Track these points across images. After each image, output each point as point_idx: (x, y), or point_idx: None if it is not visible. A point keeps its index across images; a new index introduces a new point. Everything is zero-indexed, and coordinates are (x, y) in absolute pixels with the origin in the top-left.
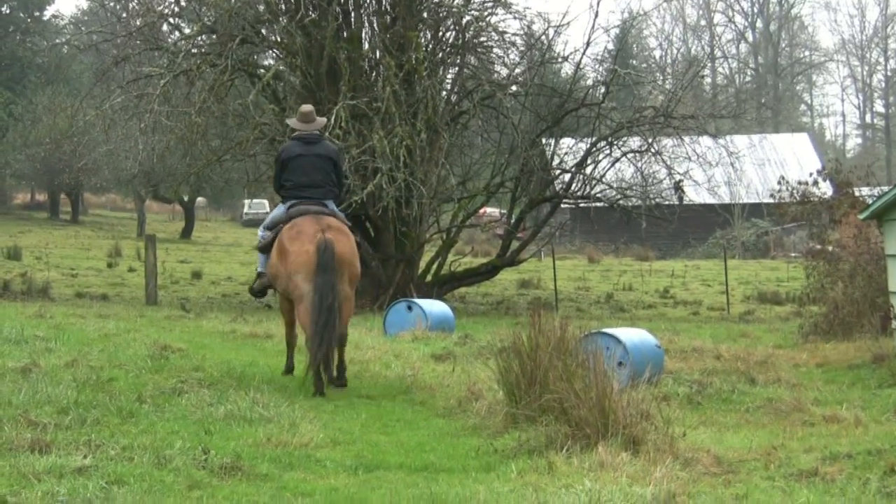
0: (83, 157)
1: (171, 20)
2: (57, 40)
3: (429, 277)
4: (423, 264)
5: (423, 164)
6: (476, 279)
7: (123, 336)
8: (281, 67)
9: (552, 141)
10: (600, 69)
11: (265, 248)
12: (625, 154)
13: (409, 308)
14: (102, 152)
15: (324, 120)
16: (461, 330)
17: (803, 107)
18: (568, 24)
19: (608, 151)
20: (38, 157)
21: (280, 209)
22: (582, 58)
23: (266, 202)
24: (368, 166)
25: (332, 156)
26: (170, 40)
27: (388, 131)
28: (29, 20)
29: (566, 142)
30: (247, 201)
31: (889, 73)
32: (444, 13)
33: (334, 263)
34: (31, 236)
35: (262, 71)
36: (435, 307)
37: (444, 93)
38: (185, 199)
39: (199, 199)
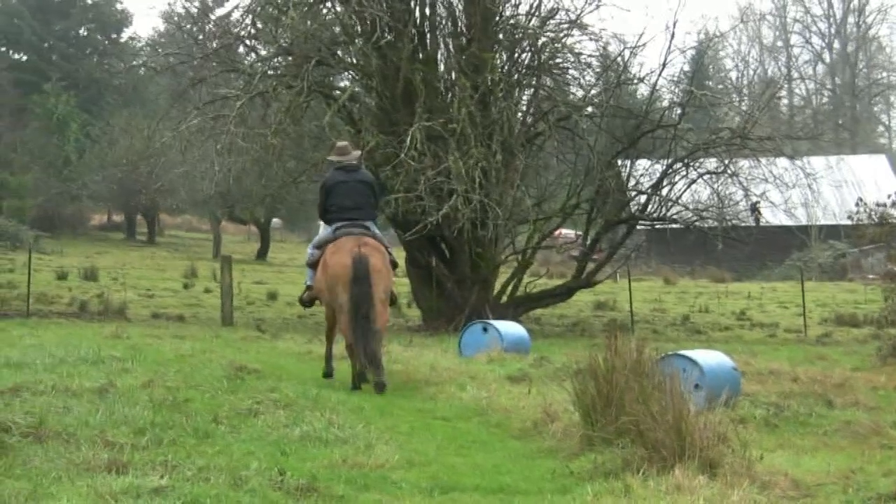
0: (159, 178)
1: (247, 42)
2: (134, 62)
3: (504, 299)
4: (498, 286)
5: (498, 186)
6: (551, 301)
7: (199, 357)
8: (356, 89)
9: (628, 162)
10: (676, 90)
11: (314, 265)
12: (701, 175)
13: (485, 329)
14: (178, 173)
15: (358, 152)
16: (537, 352)
17: (881, 128)
18: (644, 45)
19: (684, 173)
20: (114, 178)
21: (327, 230)
22: (658, 79)
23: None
24: (444, 187)
25: (371, 182)
26: (246, 62)
27: (464, 153)
28: (106, 42)
29: (642, 163)
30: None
31: None
32: (520, 35)
33: (368, 274)
34: (107, 257)
35: (338, 92)
36: (510, 329)
37: (520, 114)
38: (261, 220)
39: (275, 221)
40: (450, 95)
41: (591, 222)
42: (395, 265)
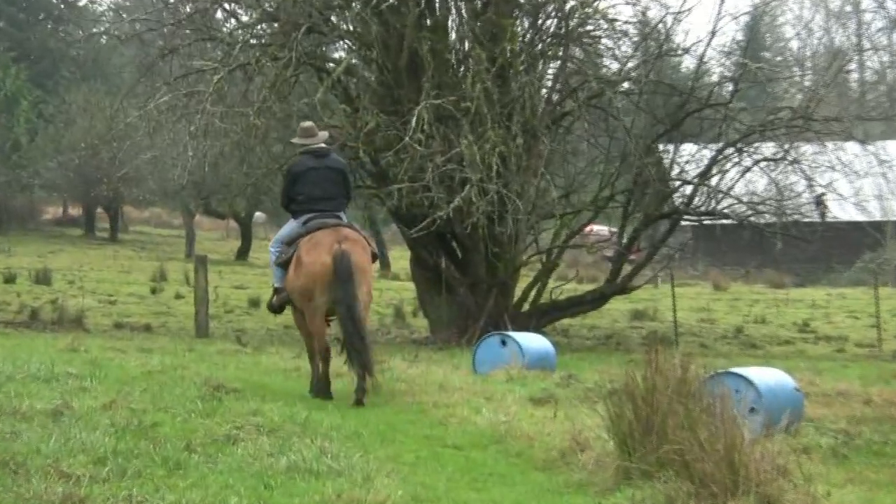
0: (123, 164)
1: (226, 6)
2: (94, 29)
3: (526, 307)
4: (518, 291)
5: (519, 174)
6: (581, 309)
7: (170, 373)
8: (353, 61)
9: (671, 147)
10: (727, 63)
11: (284, 263)
12: (756, 163)
13: (503, 342)
14: (146, 159)
15: (325, 134)
16: (564, 368)
17: None
18: (689, 9)
19: (737, 159)
20: (71, 164)
21: (294, 223)
22: (706, 49)
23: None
24: (455, 176)
25: (343, 168)
26: (225, 29)
27: (479, 135)
28: (62, 6)
29: (687, 148)
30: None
31: None
32: None
33: (352, 272)
34: (62, 257)
35: (332, 65)
36: (533, 342)
37: (545, 91)
38: (242, 214)
39: (258, 215)
40: (462, 69)
41: (628, 217)
42: (375, 257)
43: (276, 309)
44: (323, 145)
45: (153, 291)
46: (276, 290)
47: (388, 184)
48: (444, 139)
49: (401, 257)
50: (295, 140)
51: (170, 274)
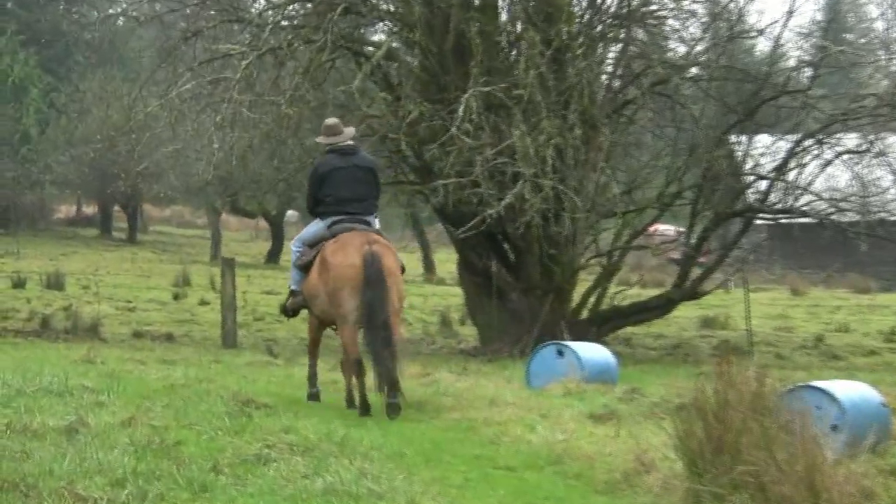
0: (143, 158)
1: None
2: (111, 10)
3: (585, 314)
4: (576, 297)
5: (576, 169)
6: (645, 316)
7: (194, 387)
8: (394, 44)
9: (744, 138)
10: (806, 46)
11: (305, 266)
12: (838, 155)
13: (560, 353)
14: (167, 153)
15: (352, 130)
16: (626, 381)
17: None
18: None
19: (817, 152)
20: (85, 158)
21: (320, 224)
22: (782, 31)
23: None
24: (507, 171)
25: (372, 166)
26: (253, 10)
27: (532, 126)
28: None
29: (762, 139)
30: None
31: None
32: None
33: (383, 276)
34: (76, 259)
35: (371, 49)
36: (593, 352)
37: (604, 76)
38: (272, 212)
39: (290, 213)
40: (514, 52)
41: (697, 215)
42: (402, 269)
43: (290, 313)
44: (350, 143)
45: (175, 297)
46: (293, 293)
47: (433, 179)
48: (494, 130)
49: (447, 260)
50: (319, 139)
51: (193, 278)
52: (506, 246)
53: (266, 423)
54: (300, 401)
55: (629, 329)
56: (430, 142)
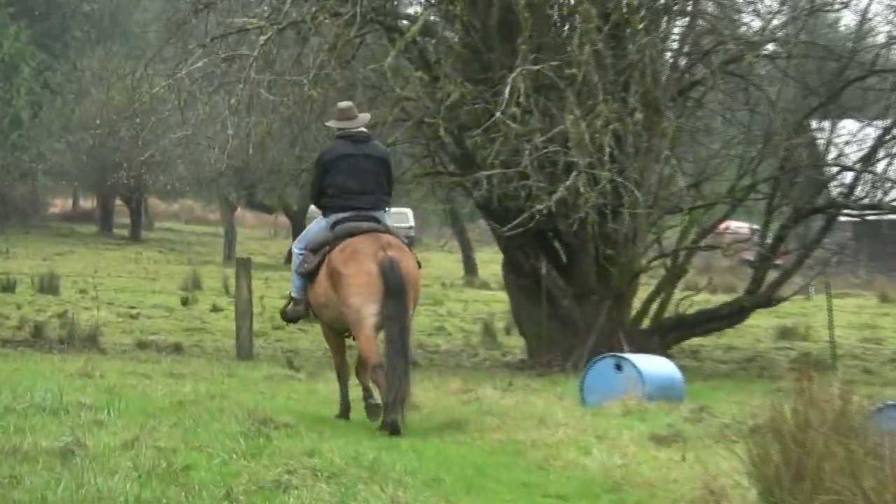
0: (148, 146)
1: None
2: None
3: (646, 322)
4: (637, 303)
5: (637, 158)
6: (715, 325)
7: (205, 404)
8: (432, 18)
9: (826, 124)
10: None
11: (310, 273)
12: None
13: (619, 367)
14: (176, 139)
15: (367, 116)
16: (694, 399)
17: None
18: None
19: None
20: (83, 146)
21: (320, 224)
22: (870, 3)
23: (409, 212)
24: (559, 161)
25: (384, 157)
26: None
27: (588, 110)
28: None
29: (847, 125)
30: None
31: None
32: None
33: (403, 283)
34: (72, 259)
35: (406, 23)
36: (655, 366)
37: (669, 54)
38: (294, 207)
39: (313, 208)
40: (567, 27)
41: (773, 212)
42: (418, 265)
43: (290, 319)
44: (364, 129)
45: (184, 303)
46: (294, 301)
47: (476, 170)
48: (544, 114)
49: (490, 261)
50: (330, 123)
51: (205, 281)
52: (557, 245)
53: (286, 445)
54: (325, 419)
55: (696, 340)
56: (471, 128)
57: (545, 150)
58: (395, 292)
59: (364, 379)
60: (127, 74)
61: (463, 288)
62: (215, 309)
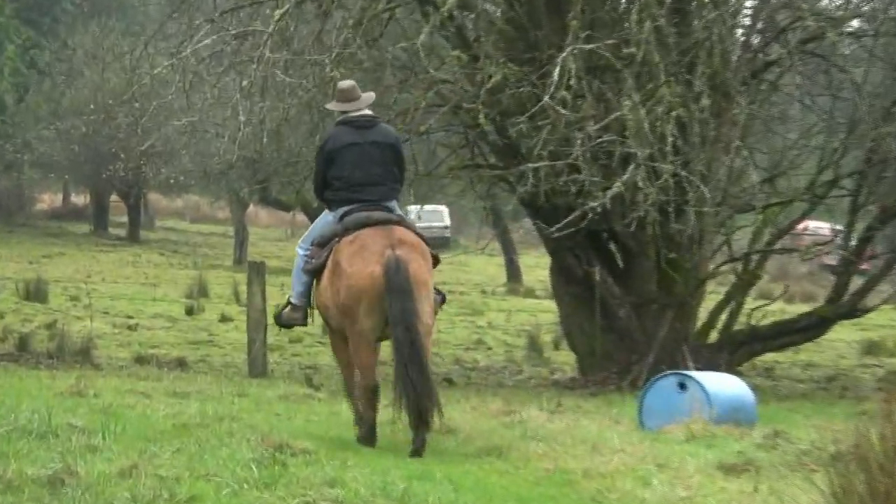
0: (149, 134)
1: None
2: None
3: (714, 335)
4: (703, 313)
5: (704, 149)
6: (792, 339)
7: (213, 427)
8: None
9: None
10: None
11: (315, 271)
12: None
13: (682, 386)
14: (180, 127)
15: (371, 96)
16: (768, 423)
17: None
18: None
19: None
20: (75, 134)
21: (326, 219)
22: None
23: (445, 210)
24: (615, 152)
25: (394, 143)
26: None
27: (648, 94)
28: None
29: None
30: (414, 209)
31: None
32: None
33: (410, 286)
34: (62, 262)
35: None
36: (724, 385)
37: (740, 31)
38: (313, 203)
39: None
40: (624, 1)
41: (859, 210)
42: (436, 261)
43: (284, 325)
44: (367, 112)
45: (189, 312)
46: (293, 306)
47: (521, 162)
48: (598, 99)
49: (536, 265)
50: (331, 105)
51: (212, 288)
52: (613, 248)
53: (305, 474)
54: (349, 444)
55: (771, 356)
56: (516, 114)
57: (599, 140)
58: (398, 292)
59: (356, 401)
60: (125, 53)
61: (505, 296)
62: (224, 319)
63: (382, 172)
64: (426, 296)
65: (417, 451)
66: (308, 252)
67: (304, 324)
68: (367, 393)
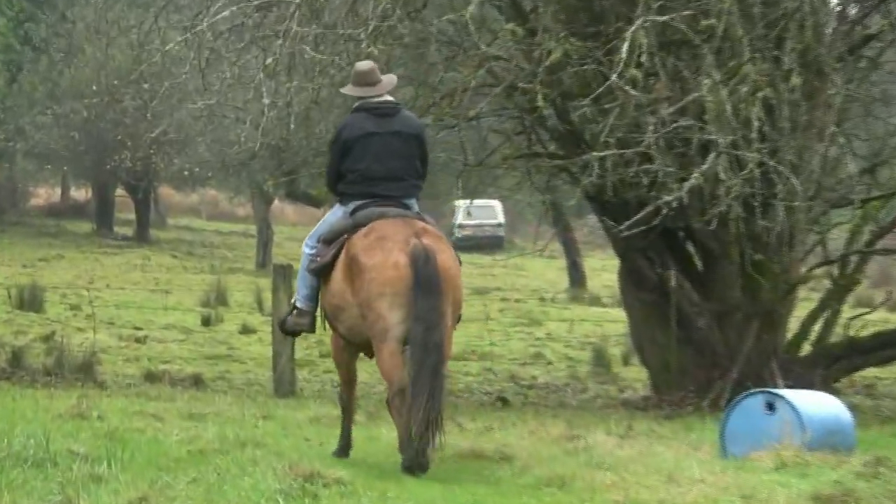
0: (159, 119)
1: None
2: None
3: (806, 348)
4: (794, 323)
5: (795, 136)
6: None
7: (234, 454)
8: None
9: None
10: None
11: (323, 270)
12: None
13: (771, 406)
14: (195, 111)
15: (392, 79)
16: (868, 449)
17: None
18: None
19: None
20: (75, 120)
21: (336, 214)
22: None
23: (498, 205)
24: (692, 139)
25: (418, 133)
26: None
27: (730, 73)
28: None
29: None
30: (461, 204)
31: None
32: None
33: (439, 280)
34: (62, 266)
35: None
36: (818, 406)
37: (836, 1)
38: None
39: None
40: None
41: None
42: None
43: (290, 332)
44: (388, 98)
45: (206, 323)
46: (298, 311)
47: (585, 151)
48: (673, 79)
49: (603, 269)
50: (347, 90)
51: (232, 295)
52: (690, 249)
53: None
54: (389, 474)
55: (871, 371)
56: (579, 96)
57: (675, 125)
58: (427, 287)
59: (398, 415)
60: (132, 27)
61: (567, 303)
62: (246, 331)
63: (404, 166)
64: (455, 290)
65: (419, 467)
66: (315, 249)
67: (312, 330)
68: (400, 395)
